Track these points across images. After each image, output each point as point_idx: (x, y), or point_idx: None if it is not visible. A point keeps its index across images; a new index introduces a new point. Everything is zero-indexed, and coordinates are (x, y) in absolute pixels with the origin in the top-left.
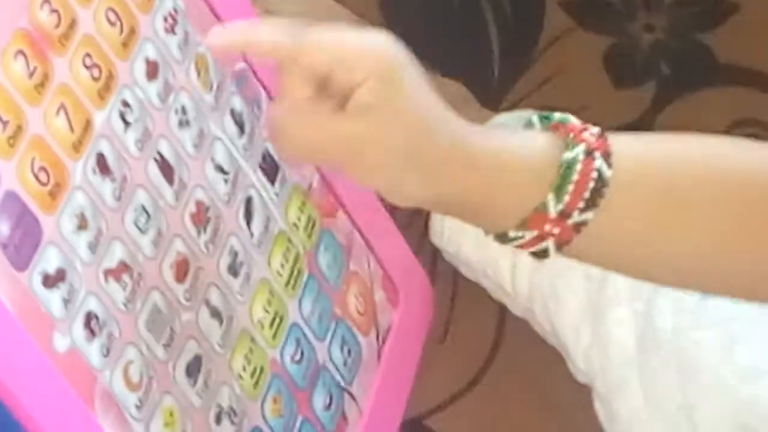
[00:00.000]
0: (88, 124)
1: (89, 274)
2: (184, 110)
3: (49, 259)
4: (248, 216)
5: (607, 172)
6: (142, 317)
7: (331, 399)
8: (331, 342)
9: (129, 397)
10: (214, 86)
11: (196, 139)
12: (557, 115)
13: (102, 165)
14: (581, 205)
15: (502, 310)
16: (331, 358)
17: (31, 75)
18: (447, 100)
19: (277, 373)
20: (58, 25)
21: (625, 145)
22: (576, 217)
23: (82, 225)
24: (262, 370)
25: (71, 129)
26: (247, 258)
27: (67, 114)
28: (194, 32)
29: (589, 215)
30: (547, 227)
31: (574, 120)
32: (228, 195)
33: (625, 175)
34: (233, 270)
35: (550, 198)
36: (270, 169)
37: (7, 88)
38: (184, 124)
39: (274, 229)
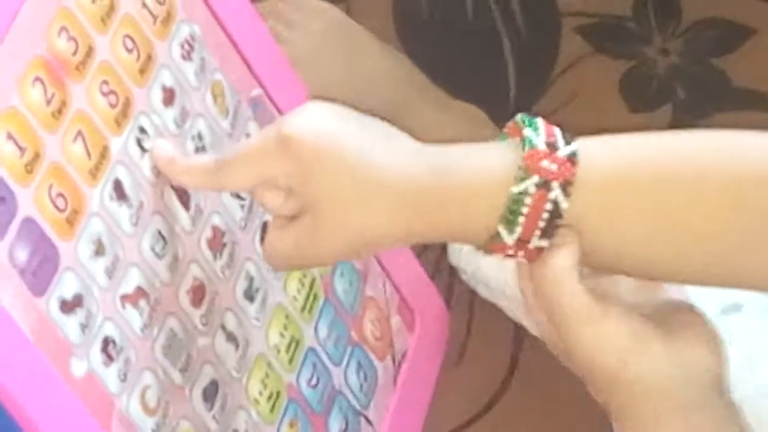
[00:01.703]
0: (105, 151)
1: (106, 299)
2: (200, 136)
3: (67, 285)
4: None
5: (564, 204)
6: (158, 342)
7: (347, 423)
8: (347, 366)
9: (146, 422)
10: (230, 112)
11: None
12: (526, 135)
13: (119, 191)
14: (537, 233)
15: (518, 333)
16: (347, 383)
17: (48, 102)
18: (464, 124)
19: (294, 397)
20: (75, 53)
21: (602, 165)
22: (536, 242)
23: (99, 251)
24: (278, 394)
25: (88, 155)
26: (263, 283)
27: (84, 141)
28: (210, 59)
29: (546, 243)
30: (510, 252)
31: (539, 143)
32: (244, 220)
33: (590, 203)
34: (249, 295)
35: (501, 229)
36: None
37: (25, 114)
38: (200, 150)
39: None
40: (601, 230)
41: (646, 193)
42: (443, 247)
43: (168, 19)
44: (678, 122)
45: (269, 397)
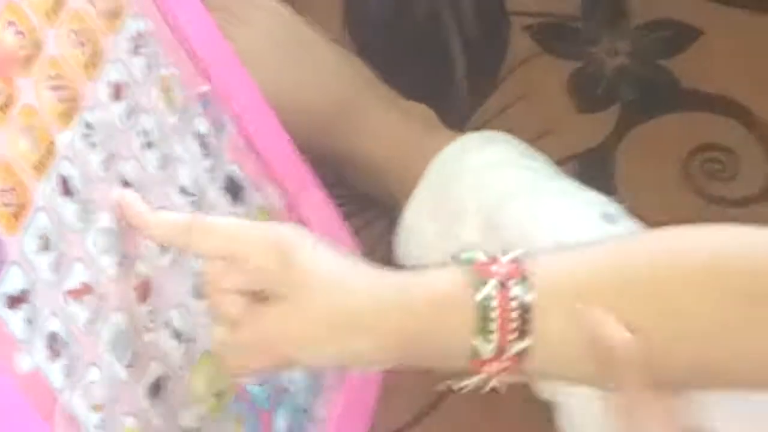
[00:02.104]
0: (51, 146)
1: (52, 294)
2: (148, 132)
3: (12, 280)
4: None
5: (528, 297)
6: (104, 338)
7: (293, 421)
8: None
9: (91, 418)
10: (179, 108)
11: (161, 160)
12: (464, 256)
13: (65, 186)
14: (512, 337)
15: None
16: (294, 380)
17: None
18: (413, 123)
19: (239, 395)
20: (23, 47)
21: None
22: (516, 346)
23: (44, 246)
24: (224, 391)
25: (35, 150)
26: None
27: (31, 135)
28: (159, 54)
29: (526, 343)
30: (494, 367)
31: (479, 256)
32: None
33: (550, 295)
34: (196, 292)
35: (478, 342)
36: (234, 190)
37: None
38: (148, 145)
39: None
40: (562, 330)
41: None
42: (390, 251)
43: (116, 13)
44: (625, 123)
45: (216, 394)
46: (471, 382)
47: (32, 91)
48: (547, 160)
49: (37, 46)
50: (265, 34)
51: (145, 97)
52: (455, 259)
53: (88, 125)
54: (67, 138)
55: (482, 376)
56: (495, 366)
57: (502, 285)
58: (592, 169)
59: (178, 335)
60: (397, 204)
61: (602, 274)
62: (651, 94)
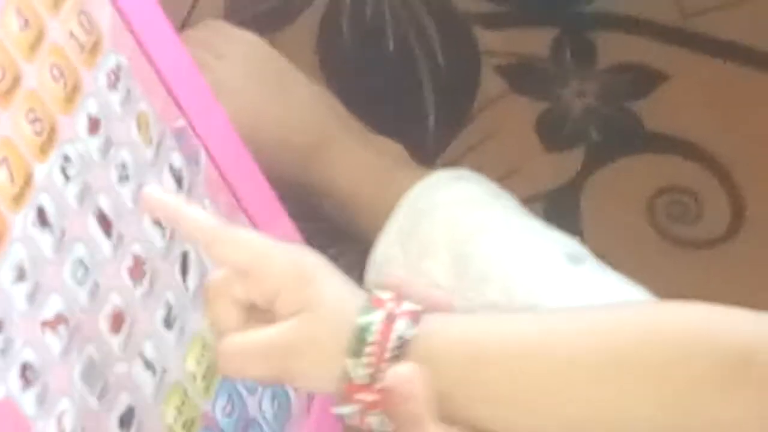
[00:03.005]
0: (29, 178)
1: (26, 324)
2: (124, 165)
3: None
4: (184, 270)
5: (409, 333)
6: (77, 368)
7: None
8: (262, 395)
9: None
10: (154, 142)
11: (136, 193)
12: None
13: (42, 218)
14: (386, 366)
15: None
16: (261, 411)
17: None
18: (383, 159)
19: (209, 425)
20: (2, 80)
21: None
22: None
23: (20, 276)
24: (193, 421)
25: (12, 182)
26: (182, 312)
27: (8, 167)
28: (136, 89)
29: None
30: (360, 395)
31: (386, 295)
32: (165, 249)
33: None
34: (168, 323)
35: (350, 363)
36: None
37: None
38: (124, 179)
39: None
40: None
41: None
42: (362, 273)
43: (95, 48)
44: (591, 163)
45: (184, 424)
46: (344, 409)
47: (10, 124)
48: (514, 199)
49: (17, 79)
50: (242, 68)
51: (122, 131)
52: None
53: (66, 158)
54: (44, 170)
55: (355, 406)
56: (367, 395)
57: (389, 318)
58: (559, 208)
59: (150, 365)
60: (368, 238)
61: (490, 345)
62: (617, 136)
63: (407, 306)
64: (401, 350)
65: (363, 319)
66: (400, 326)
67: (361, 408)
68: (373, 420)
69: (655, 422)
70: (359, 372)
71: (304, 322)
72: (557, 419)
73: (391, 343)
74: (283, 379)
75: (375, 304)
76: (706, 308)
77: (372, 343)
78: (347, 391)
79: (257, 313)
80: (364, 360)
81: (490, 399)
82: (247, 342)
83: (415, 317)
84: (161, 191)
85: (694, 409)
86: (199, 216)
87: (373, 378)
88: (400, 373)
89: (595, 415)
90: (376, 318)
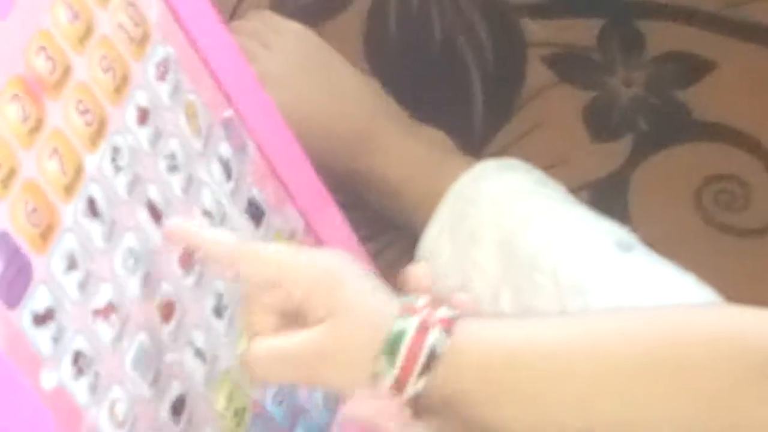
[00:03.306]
0: (79, 168)
1: (78, 313)
2: (173, 156)
3: (40, 298)
4: None
5: (440, 347)
6: (128, 356)
7: None
8: None
9: None
10: (203, 133)
11: (185, 184)
12: (405, 298)
13: (92, 208)
14: (413, 377)
15: None
16: (311, 399)
17: (25, 119)
18: (429, 149)
19: (259, 413)
20: (53, 72)
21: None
22: (411, 388)
23: (72, 266)
24: (244, 410)
25: (63, 173)
26: (232, 301)
27: (60, 158)
28: (184, 80)
29: (421, 384)
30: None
31: (419, 302)
32: None
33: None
34: (218, 312)
35: (382, 363)
36: (255, 213)
37: (1, 131)
38: (173, 169)
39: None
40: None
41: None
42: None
43: (144, 40)
44: (638, 153)
45: (235, 412)
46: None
47: (61, 115)
48: (562, 188)
49: (67, 71)
50: (288, 59)
51: (170, 122)
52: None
53: (115, 149)
54: (94, 161)
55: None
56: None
57: (422, 327)
58: (606, 198)
59: (200, 354)
60: (416, 227)
61: (525, 349)
62: (664, 125)
63: (443, 312)
64: (432, 361)
65: (397, 327)
66: (433, 336)
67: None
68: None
69: (692, 423)
70: (388, 380)
71: (332, 328)
72: (594, 421)
73: (423, 354)
74: (311, 382)
75: (408, 311)
76: (738, 310)
77: (403, 353)
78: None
79: (291, 318)
80: (395, 370)
81: (523, 401)
82: (276, 347)
83: (449, 326)
84: (181, 221)
85: (734, 410)
86: (220, 237)
87: (400, 386)
88: None
89: (630, 417)
90: (410, 326)
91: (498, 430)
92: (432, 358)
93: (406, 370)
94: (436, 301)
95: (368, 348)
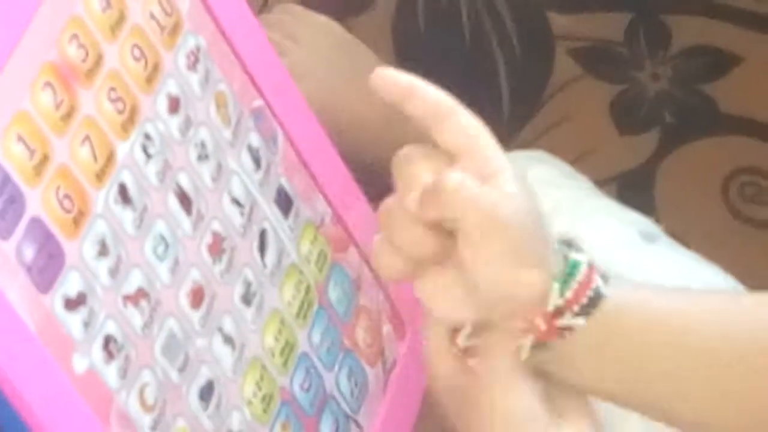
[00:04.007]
0: (111, 155)
1: (109, 298)
2: (203, 144)
3: (71, 283)
4: (262, 248)
5: (605, 290)
6: (158, 342)
7: (337, 427)
8: (339, 372)
9: (144, 418)
10: (233, 122)
11: (215, 172)
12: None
13: (123, 195)
14: (575, 309)
15: None
16: (338, 388)
17: (58, 106)
18: None
19: (287, 400)
20: (85, 60)
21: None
22: (569, 319)
23: (103, 251)
24: (271, 396)
25: (95, 159)
26: (260, 288)
27: (91, 145)
28: (215, 70)
29: (580, 321)
30: (538, 321)
31: (582, 257)
32: (243, 227)
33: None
34: (246, 299)
35: (556, 288)
36: (284, 203)
37: (34, 118)
38: (203, 157)
39: (287, 261)
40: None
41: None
42: None
43: (175, 30)
44: (665, 146)
45: (263, 399)
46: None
47: (93, 103)
48: (588, 180)
49: (99, 59)
50: (315, 51)
51: (201, 111)
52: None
53: (147, 136)
54: (126, 148)
55: (522, 327)
56: (545, 326)
57: (590, 266)
58: (632, 190)
59: (229, 340)
60: None
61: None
62: (691, 118)
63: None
64: (594, 303)
65: (574, 256)
66: (599, 279)
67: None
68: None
69: None
70: (555, 300)
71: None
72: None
73: (589, 291)
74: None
75: (578, 255)
76: None
77: (577, 282)
78: (530, 311)
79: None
80: (567, 294)
81: (655, 370)
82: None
83: (606, 277)
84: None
85: None
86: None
87: (560, 314)
88: None
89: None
90: (583, 259)
91: (610, 396)
92: (596, 298)
93: (571, 302)
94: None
95: (542, 255)
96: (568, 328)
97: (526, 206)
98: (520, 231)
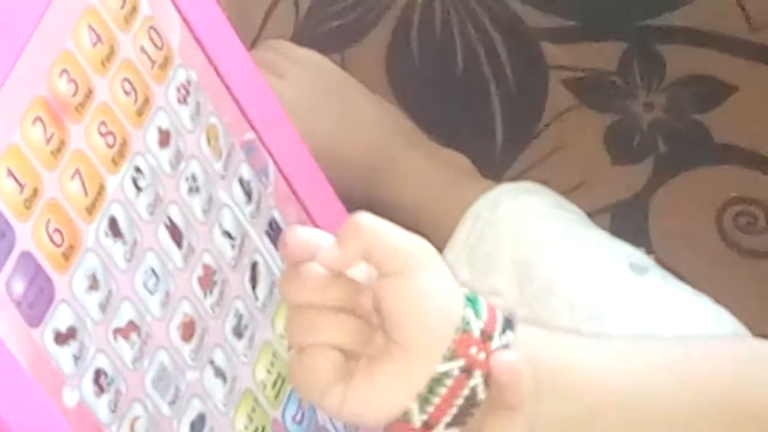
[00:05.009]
0: (101, 189)
1: (99, 332)
2: (194, 177)
3: (61, 317)
4: (254, 280)
5: (482, 394)
6: (149, 375)
7: None
8: None
9: None
10: (224, 155)
11: (205, 205)
12: (465, 319)
13: (114, 228)
14: (447, 419)
15: None
16: (331, 419)
17: (48, 141)
18: (448, 171)
19: None
20: (75, 94)
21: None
22: (441, 430)
23: (93, 285)
24: (263, 429)
25: (85, 193)
26: (252, 321)
27: (81, 179)
28: (206, 103)
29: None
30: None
31: (475, 325)
32: (234, 260)
33: None
34: (238, 332)
35: (414, 406)
36: (275, 235)
37: (24, 152)
38: (193, 190)
39: (279, 293)
40: None
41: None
42: None
43: (165, 63)
44: (659, 175)
45: (255, 431)
46: None
47: (83, 137)
48: (580, 211)
49: (89, 93)
50: (302, 88)
51: (191, 144)
52: (462, 318)
53: (137, 170)
54: (116, 182)
55: None
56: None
57: (468, 370)
58: (626, 220)
59: (220, 374)
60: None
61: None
62: (685, 148)
63: (496, 346)
64: (466, 410)
65: (441, 368)
66: (475, 382)
67: None
68: None
69: None
70: (417, 418)
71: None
72: None
73: (459, 399)
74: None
75: (459, 351)
76: None
77: (439, 395)
78: (397, 428)
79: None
80: (427, 411)
81: None
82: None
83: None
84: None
85: None
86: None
87: (427, 426)
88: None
89: None
90: (454, 371)
91: None
92: (470, 404)
93: (435, 417)
94: (493, 323)
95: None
96: None
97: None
98: None
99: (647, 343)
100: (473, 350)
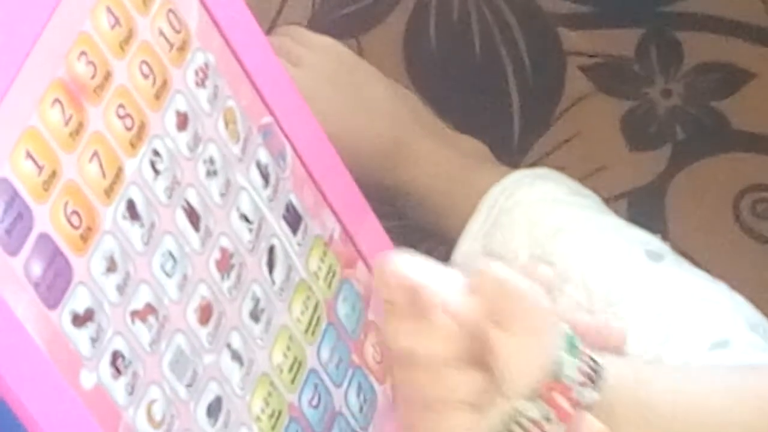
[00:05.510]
0: (119, 172)
1: (117, 314)
2: (212, 161)
3: (79, 299)
4: (271, 264)
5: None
6: (166, 358)
7: None
8: (347, 388)
9: None
10: (241, 138)
11: (223, 188)
12: (563, 364)
13: (132, 211)
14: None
15: None
16: (347, 404)
17: (66, 123)
18: (465, 157)
19: (295, 416)
20: (93, 76)
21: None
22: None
23: (111, 267)
24: (280, 413)
25: (103, 175)
26: (269, 305)
27: (100, 161)
28: (223, 86)
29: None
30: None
31: (571, 374)
32: (252, 243)
33: None
34: (255, 316)
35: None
36: (293, 219)
37: (43, 134)
38: (211, 174)
39: (295, 277)
40: None
41: None
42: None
43: (183, 47)
44: (677, 162)
45: (271, 415)
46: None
47: (101, 119)
48: (596, 197)
49: (107, 75)
50: (316, 75)
51: (209, 127)
52: (557, 359)
53: (155, 152)
54: (134, 164)
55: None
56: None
57: (543, 421)
58: (644, 207)
59: (237, 357)
60: (451, 236)
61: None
62: (703, 135)
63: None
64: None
65: (522, 415)
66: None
67: None
68: None
69: None
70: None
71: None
72: None
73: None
74: None
75: (544, 397)
76: None
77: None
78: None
79: None
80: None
81: None
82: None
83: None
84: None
85: None
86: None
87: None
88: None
89: None
90: (534, 415)
91: None
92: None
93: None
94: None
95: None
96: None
97: None
98: None
99: (728, 377)
100: (558, 398)
